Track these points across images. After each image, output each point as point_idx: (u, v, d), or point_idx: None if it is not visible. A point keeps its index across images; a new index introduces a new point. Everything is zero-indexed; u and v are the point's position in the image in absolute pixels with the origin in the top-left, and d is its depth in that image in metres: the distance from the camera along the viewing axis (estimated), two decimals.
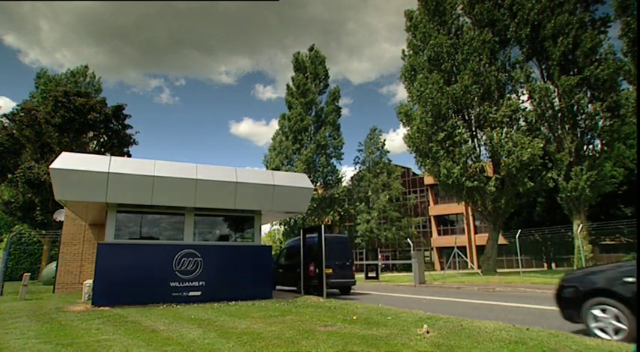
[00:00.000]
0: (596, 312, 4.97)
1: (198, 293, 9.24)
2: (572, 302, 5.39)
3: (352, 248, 13.19)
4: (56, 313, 7.48)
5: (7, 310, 8.13)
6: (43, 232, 22.16)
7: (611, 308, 4.82)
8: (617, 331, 4.70)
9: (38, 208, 21.63)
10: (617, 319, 4.73)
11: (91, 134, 24.51)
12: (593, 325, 4.99)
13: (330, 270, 11.65)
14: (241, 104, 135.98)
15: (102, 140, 25.34)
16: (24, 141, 22.75)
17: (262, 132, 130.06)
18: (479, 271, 24.81)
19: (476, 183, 19.73)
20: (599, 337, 4.82)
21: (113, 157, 9.01)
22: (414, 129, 21.40)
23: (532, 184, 19.09)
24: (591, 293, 5.14)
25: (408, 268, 33.33)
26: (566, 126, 18.52)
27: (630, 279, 4.73)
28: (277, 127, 36.75)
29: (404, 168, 44.37)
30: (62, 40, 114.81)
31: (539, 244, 28.78)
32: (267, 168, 34.33)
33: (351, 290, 13.56)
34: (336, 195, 34.66)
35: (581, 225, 17.68)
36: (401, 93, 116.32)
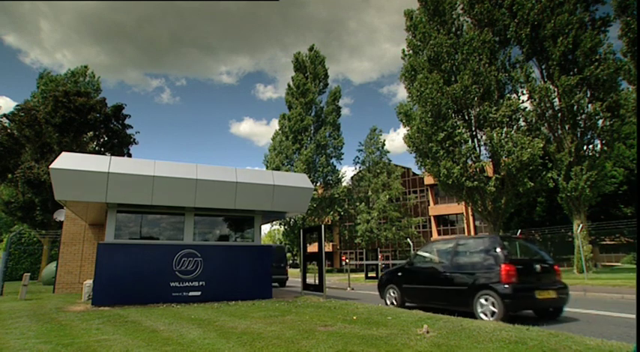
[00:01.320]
0: (387, 293, 9.17)
1: (198, 293, 9.24)
2: (382, 287, 9.44)
3: (286, 253, 21.90)
4: (56, 313, 7.48)
5: (7, 310, 8.13)
6: (43, 232, 22.16)
7: (393, 289, 8.97)
8: (396, 300, 8.82)
9: (38, 208, 21.62)
10: (395, 294, 8.87)
11: (91, 134, 24.50)
12: (387, 300, 9.11)
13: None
14: (242, 104, 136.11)
15: (102, 140, 25.33)
16: (24, 141, 22.74)
17: (263, 131, 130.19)
18: None
19: (476, 183, 19.73)
20: (388, 305, 8.90)
21: (113, 157, 9.01)
22: (414, 129, 21.41)
23: (532, 184, 19.08)
24: (387, 281, 9.29)
25: None
26: (566, 126, 18.51)
27: (399, 273, 8.91)
28: (278, 127, 36.79)
29: (404, 168, 44.38)
30: (62, 39, 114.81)
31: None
32: (267, 168, 34.32)
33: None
34: (336, 195, 34.65)
35: (581, 225, 17.68)
36: (402, 93, 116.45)
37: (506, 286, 6.32)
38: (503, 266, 6.49)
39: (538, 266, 6.91)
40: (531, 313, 7.30)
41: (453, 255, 7.71)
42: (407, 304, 8.59)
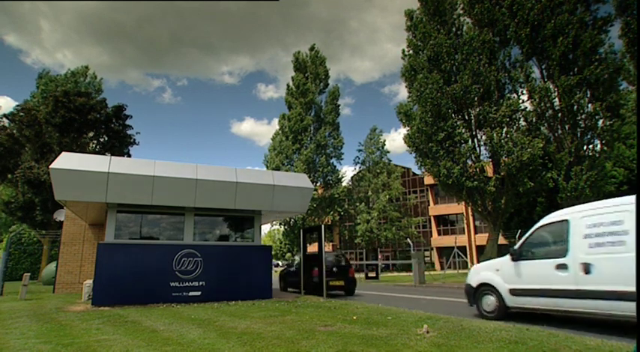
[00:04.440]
0: (281, 283, 14.79)
1: (198, 293, 9.24)
2: (280, 280, 14.94)
3: None
4: (56, 313, 7.48)
5: (7, 310, 8.13)
6: (43, 232, 22.14)
7: (284, 281, 14.65)
8: (283, 287, 14.57)
9: (38, 208, 21.61)
10: (283, 284, 14.67)
11: (91, 134, 24.48)
12: (280, 287, 14.59)
13: None
14: (243, 103, 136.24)
15: (102, 140, 25.31)
16: (24, 141, 22.73)
17: (264, 131, 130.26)
18: None
19: (476, 183, 19.72)
20: (280, 290, 14.35)
21: (113, 157, 9.01)
22: (414, 129, 21.39)
23: (532, 184, 19.06)
24: (282, 277, 14.92)
25: (408, 268, 33.33)
26: (566, 126, 18.49)
27: (286, 272, 14.82)
28: (278, 127, 36.77)
29: (404, 168, 44.34)
30: (63, 40, 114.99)
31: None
32: (267, 168, 34.30)
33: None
34: (336, 195, 34.62)
35: None
36: (403, 93, 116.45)
37: (315, 278, 11.42)
38: (314, 269, 11.48)
39: (335, 269, 12.29)
40: (342, 293, 12.42)
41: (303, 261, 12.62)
42: (288, 289, 13.92)
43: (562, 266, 5.87)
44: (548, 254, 6.29)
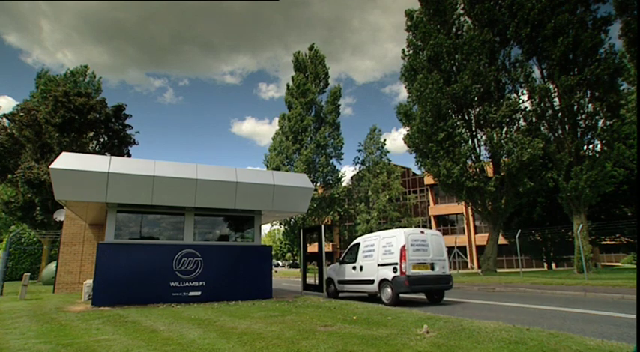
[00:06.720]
0: None
1: (198, 293, 9.24)
2: None
3: None
4: (56, 313, 7.48)
5: (7, 310, 8.13)
6: (43, 232, 22.15)
7: None
8: None
9: (38, 208, 21.61)
10: None
11: (91, 134, 24.47)
12: None
13: None
14: (244, 103, 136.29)
15: (102, 140, 25.30)
16: (24, 141, 22.72)
17: (264, 131, 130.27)
18: (479, 271, 24.81)
19: (476, 183, 19.73)
20: None
21: (113, 157, 9.00)
22: (414, 129, 21.40)
23: (532, 184, 19.07)
24: None
25: None
26: (566, 126, 18.49)
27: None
28: (278, 127, 36.75)
29: (404, 168, 44.33)
30: (64, 39, 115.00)
31: (539, 244, 28.72)
32: (267, 168, 34.30)
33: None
34: (336, 195, 34.60)
35: (581, 225, 17.66)
36: (404, 92, 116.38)
37: None
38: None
39: None
40: None
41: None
42: None
43: (354, 267, 10.47)
44: (351, 260, 10.75)
